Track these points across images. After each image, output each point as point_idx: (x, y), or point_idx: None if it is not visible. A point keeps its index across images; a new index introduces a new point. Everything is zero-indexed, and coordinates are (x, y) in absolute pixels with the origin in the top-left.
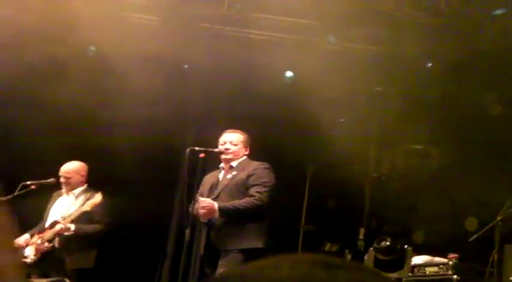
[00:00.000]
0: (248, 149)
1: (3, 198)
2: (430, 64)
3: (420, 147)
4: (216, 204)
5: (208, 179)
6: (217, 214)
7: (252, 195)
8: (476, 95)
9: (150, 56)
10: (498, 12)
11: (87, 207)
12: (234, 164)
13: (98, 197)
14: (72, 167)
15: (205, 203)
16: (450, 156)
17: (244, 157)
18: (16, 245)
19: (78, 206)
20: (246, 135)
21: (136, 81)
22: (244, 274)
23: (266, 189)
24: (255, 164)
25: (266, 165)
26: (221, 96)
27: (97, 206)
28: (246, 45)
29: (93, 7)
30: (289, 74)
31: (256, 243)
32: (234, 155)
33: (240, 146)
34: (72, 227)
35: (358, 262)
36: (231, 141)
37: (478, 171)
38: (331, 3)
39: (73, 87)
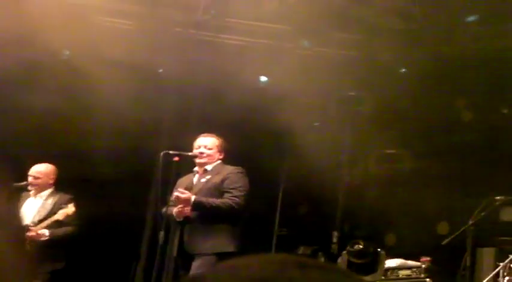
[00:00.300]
0: (223, 153)
1: None
2: (403, 69)
3: (392, 151)
4: (192, 197)
5: (182, 182)
6: (190, 207)
7: (228, 198)
8: (448, 100)
9: (125, 60)
10: (470, 19)
11: (59, 216)
12: (208, 167)
13: (71, 208)
14: (42, 169)
15: (182, 192)
16: (422, 160)
17: (219, 161)
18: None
19: (48, 210)
20: (220, 140)
21: (110, 84)
22: (217, 273)
23: (241, 193)
24: (230, 169)
25: (240, 169)
26: (195, 101)
27: (69, 216)
28: (220, 50)
29: (67, 11)
30: (263, 78)
31: (229, 247)
32: (209, 159)
33: (215, 150)
34: (47, 232)
35: (330, 263)
36: (206, 145)
37: (449, 176)
38: (304, 8)
39: (47, 91)
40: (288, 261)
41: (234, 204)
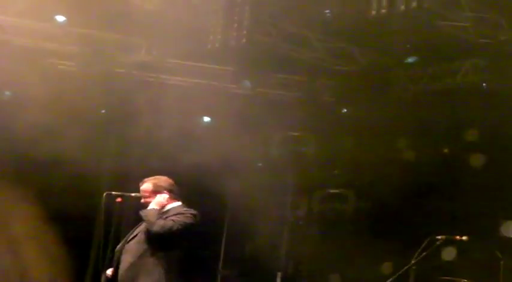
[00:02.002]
0: (166, 192)
1: None
2: (345, 110)
3: (336, 191)
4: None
5: None
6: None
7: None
8: (390, 139)
9: (68, 101)
10: (409, 60)
11: None
12: (165, 209)
13: None
14: None
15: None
16: (366, 199)
17: (178, 203)
18: None
19: None
20: (154, 182)
21: (52, 124)
22: None
23: (179, 221)
24: (183, 209)
25: (191, 211)
26: (137, 141)
27: None
28: (162, 91)
29: (10, 52)
30: (206, 119)
31: None
32: (156, 204)
33: (151, 195)
34: None
35: None
36: (143, 194)
37: (391, 216)
38: (246, 50)
39: None
40: None
41: (172, 224)
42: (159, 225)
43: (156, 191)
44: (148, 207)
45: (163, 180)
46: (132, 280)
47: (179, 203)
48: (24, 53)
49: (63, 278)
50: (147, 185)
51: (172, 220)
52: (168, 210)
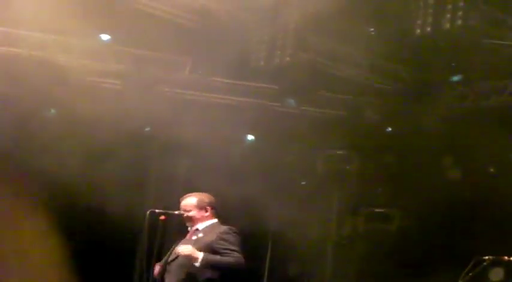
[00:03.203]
0: (208, 209)
1: None
2: (389, 128)
3: (381, 210)
4: (197, 253)
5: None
6: (197, 261)
7: (231, 256)
8: (434, 159)
9: (112, 119)
10: (454, 78)
11: None
12: (200, 226)
13: None
14: None
15: (185, 249)
16: (411, 218)
17: (214, 221)
18: None
19: None
20: (199, 197)
21: (97, 142)
22: None
23: (239, 251)
24: (223, 228)
25: (234, 229)
26: (181, 160)
27: None
28: (206, 109)
29: (54, 72)
30: (250, 137)
31: None
32: (194, 221)
33: (194, 210)
34: None
35: None
36: (184, 208)
37: (439, 233)
38: (290, 68)
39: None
40: None
41: (241, 260)
42: (233, 267)
43: (199, 207)
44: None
45: (206, 196)
46: None
47: (215, 220)
48: (68, 71)
49: None
50: (190, 199)
51: (233, 258)
52: (206, 227)
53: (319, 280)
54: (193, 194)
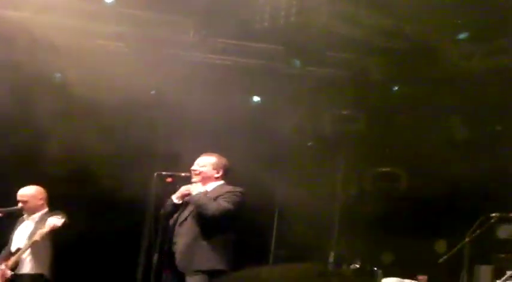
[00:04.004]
0: (221, 171)
1: None
2: (396, 88)
3: (388, 169)
4: (194, 191)
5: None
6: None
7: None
8: (441, 118)
9: (118, 82)
10: (461, 36)
11: (37, 236)
12: (208, 188)
13: (46, 228)
14: (27, 191)
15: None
16: (418, 177)
17: (220, 182)
18: None
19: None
20: (218, 158)
21: (103, 106)
22: (237, 279)
23: (234, 200)
24: (229, 188)
25: (239, 189)
26: (188, 122)
27: (45, 236)
28: (212, 70)
29: (59, 34)
30: (256, 99)
31: (221, 264)
32: (202, 177)
33: (208, 168)
34: (9, 273)
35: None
36: (199, 163)
37: (445, 193)
38: (294, 28)
39: (41, 114)
40: (309, 270)
41: (229, 205)
42: (214, 208)
43: (215, 166)
44: (195, 190)
45: (224, 159)
46: (188, 262)
47: (222, 182)
48: (73, 34)
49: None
50: (209, 158)
51: (226, 201)
52: (214, 189)
53: (326, 241)
54: (213, 154)
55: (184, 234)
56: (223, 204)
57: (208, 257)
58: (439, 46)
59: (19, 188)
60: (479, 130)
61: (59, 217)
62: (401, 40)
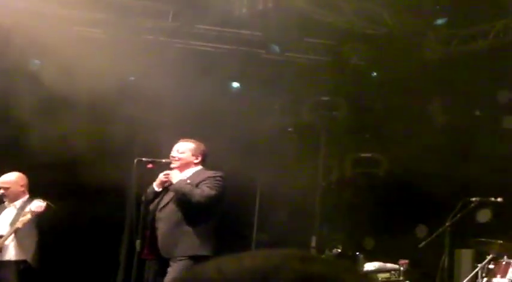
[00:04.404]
0: (199, 157)
1: None
2: (375, 74)
3: (368, 155)
4: (174, 180)
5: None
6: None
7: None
8: (420, 103)
9: (96, 68)
10: (439, 22)
11: (19, 224)
12: (187, 174)
13: (28, 215)
14: (9, 178)
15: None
16: (398, 163)
17: (199, 167)
18: None
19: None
20: (196, 144)
21: (82, 93)
22: (221, 263)
23: (216, 185)
24: (209, 173)
25: (219, 173)
26: (167, 109)
27: (28, 223)
28: (191, 57)
29: (37, 21)
30: (235, 84)
31: (204, 250)
32: (181, 163)
33: (188, 153)
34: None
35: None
36: (178, 149)
37: (425, 178)
38: (273, 15)
39: (18, 101)
40: (291, 255)
41: (212, 191)
42: (198, 195)
43: (194, 152)
44: (174, 177)
45: (202, 145)
46: (171, 248)
47: (201, 167)
48: (51, 20)
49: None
50: (187, 144)
51: (209, 187)
52: (193, 174)
53: (307, 226)
54: (191, 140)
55: (166, 220)
56: (206, 190)
57: (191, 243)
58: (418, 31)
59: None
60: (459, 115)
61: (41, 201)
62: (380, 26)
